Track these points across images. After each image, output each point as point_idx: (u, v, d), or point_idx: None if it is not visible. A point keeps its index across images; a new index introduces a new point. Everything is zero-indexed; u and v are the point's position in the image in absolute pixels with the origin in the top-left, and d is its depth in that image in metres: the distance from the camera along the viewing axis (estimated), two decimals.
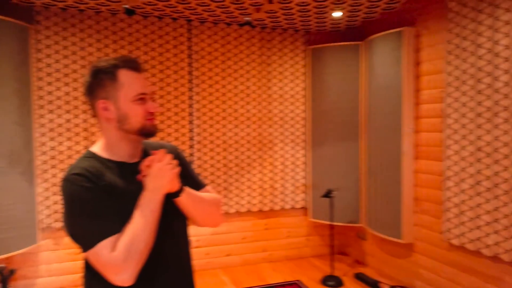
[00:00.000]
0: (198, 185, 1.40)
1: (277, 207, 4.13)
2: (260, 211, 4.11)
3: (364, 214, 3.88)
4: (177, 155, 1.35)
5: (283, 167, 4.12)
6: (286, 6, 3.15)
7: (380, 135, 3.55)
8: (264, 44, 3.98)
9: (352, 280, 3.72)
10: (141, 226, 1.12)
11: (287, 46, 4.06)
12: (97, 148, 1.26)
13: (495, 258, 2.66)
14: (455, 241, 2.93)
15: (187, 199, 1.26)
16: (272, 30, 3.97)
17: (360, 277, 3.70)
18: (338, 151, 3.97)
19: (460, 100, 2.84)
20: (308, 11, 3.28)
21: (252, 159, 4.00)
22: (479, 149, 2.69)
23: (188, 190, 1.27)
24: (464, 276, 2.93)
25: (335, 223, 3.95)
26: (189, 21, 3.67)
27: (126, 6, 3.15)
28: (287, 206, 4.18)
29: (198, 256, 3.87)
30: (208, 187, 1.45)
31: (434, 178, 3.17)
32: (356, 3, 3.09)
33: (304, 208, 4.26)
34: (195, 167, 3.83)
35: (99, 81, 1.20)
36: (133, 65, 1.22)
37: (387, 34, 3.39)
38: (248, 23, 3.79)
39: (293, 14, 3.39)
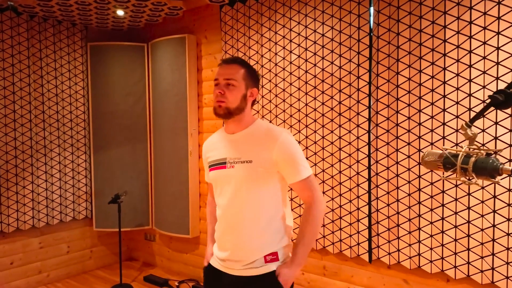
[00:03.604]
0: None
1: (54, 221, 3.66)
2: (33, 228, 3.54)
3: (153, 215, 3.90)
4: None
5: (61, 175, 3.68)
6: None
7: (167, 137, 3.65)
8: (34, 35, 3.47)
9: (142, 284, 3.68)
10: None
11: (62, 40, 3.66)
12: None
13: None
14: None
15: None
16: (44, 20, 3.51)
17: (149, 279, 3.70)
18: (126, 154, 3.86)
19: None
20: (89, 4, 3.07)
21: (21, 168, 3.41)
22: None
23: None
24: None
25: (123, 229, 3.81)
26: None
27: None
28: (67, 219, 3.76)
29: None
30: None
31: None
32: (140, 4, 3.10)
33: (87, 218, 3.93)
34: None
35: None
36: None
37: (171, 39, 3.52)
38: (12, 8, 3.23)
39: (70, 6, 3.10)
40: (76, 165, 3.80)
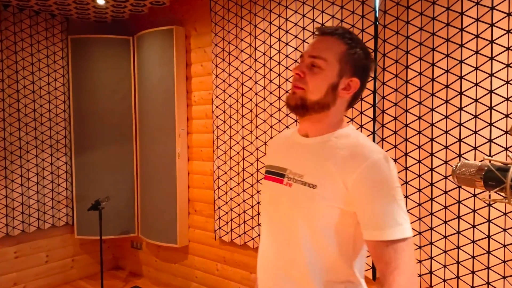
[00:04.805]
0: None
1: (31, 228, 3.38)
2: (7, 236, 3.26)
3: (139, 222, 3.62)
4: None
5: (39, 178, 3.40)
6: None
7: (154, 137, 3.37)
8: (8, 26, 3.18)
9: None
10: None
11: (40, 33, 3.37)
12: None
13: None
14: (225, 238, 3.03)
15: None
16: (19, 10, 3.23)
17: None
18: (110, 156, 3.57)
19: (227, 102, 2.96)
20: None
21: None
22: (244, 148, 2.86)
23: None
24: (234, 270, 3.07)
25: (106, 237, 3.53)
26: None
27: None
28: (46, 226, 3.47)
29: None
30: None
31: (206, 178, 3.21)
32: None
33: (68, 225, 3.65)
34: None
35: None
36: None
37: (158, 31, 3.24)
38: None
39: None
40: (55, 168, 3.51)
